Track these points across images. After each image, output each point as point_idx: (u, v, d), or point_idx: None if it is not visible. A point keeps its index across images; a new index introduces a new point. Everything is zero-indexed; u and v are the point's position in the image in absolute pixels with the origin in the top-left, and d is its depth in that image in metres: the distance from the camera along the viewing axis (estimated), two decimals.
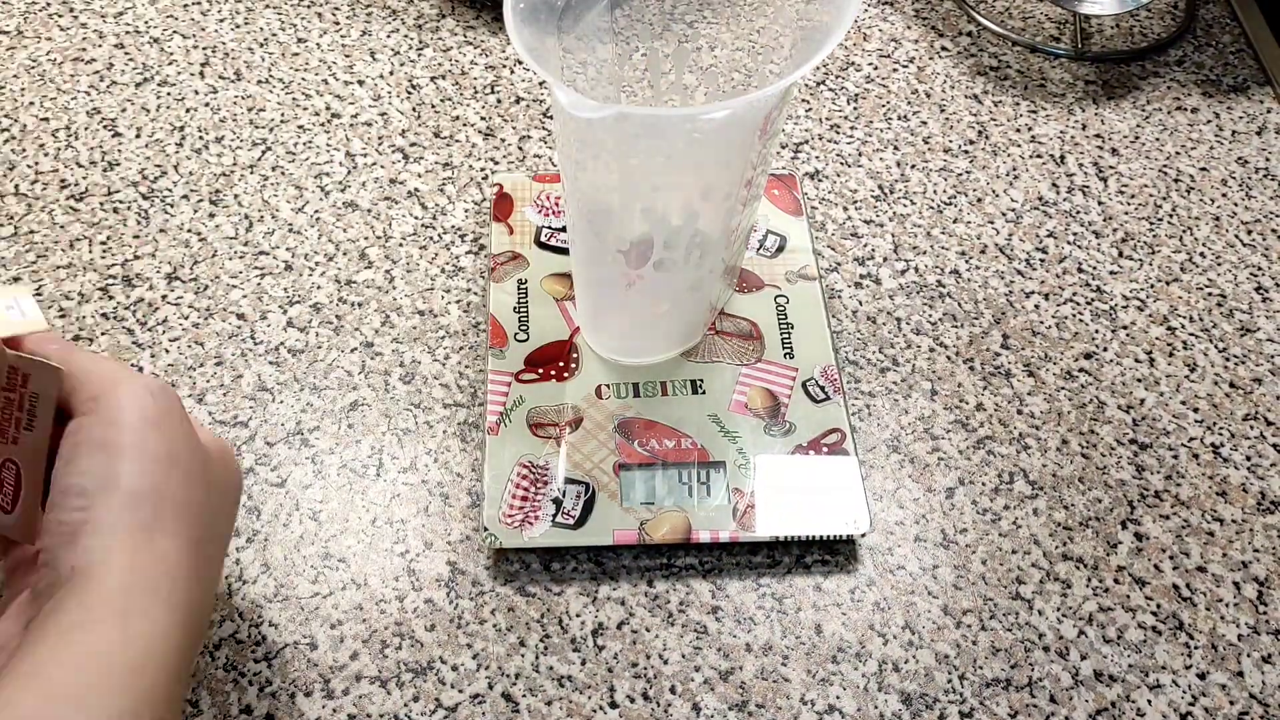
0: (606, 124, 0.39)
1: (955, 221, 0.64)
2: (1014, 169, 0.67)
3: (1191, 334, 0.60)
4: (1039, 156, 0.68)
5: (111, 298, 0.58)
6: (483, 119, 0.67)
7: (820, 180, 0.66)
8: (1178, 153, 0.69)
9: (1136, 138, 0.69)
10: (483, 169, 0.65)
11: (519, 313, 0.55)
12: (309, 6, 0.73)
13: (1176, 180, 0.67)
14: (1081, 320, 0.60)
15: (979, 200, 0.65)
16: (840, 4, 0.42)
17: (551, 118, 0.67)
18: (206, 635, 0.47)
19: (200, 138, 0.65)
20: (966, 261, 0.62)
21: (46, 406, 0.37)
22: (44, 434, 0.37)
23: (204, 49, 0.70)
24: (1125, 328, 0.60)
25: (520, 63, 0.71)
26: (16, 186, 0.62)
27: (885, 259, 0.62)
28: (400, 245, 0.61)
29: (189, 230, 0.61)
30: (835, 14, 0.43)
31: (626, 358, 0.53)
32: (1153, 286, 0.62)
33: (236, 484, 0.41)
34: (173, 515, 0.35)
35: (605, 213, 0.45)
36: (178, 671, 0.34)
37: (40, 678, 0.31)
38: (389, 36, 0.72)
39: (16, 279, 0.58)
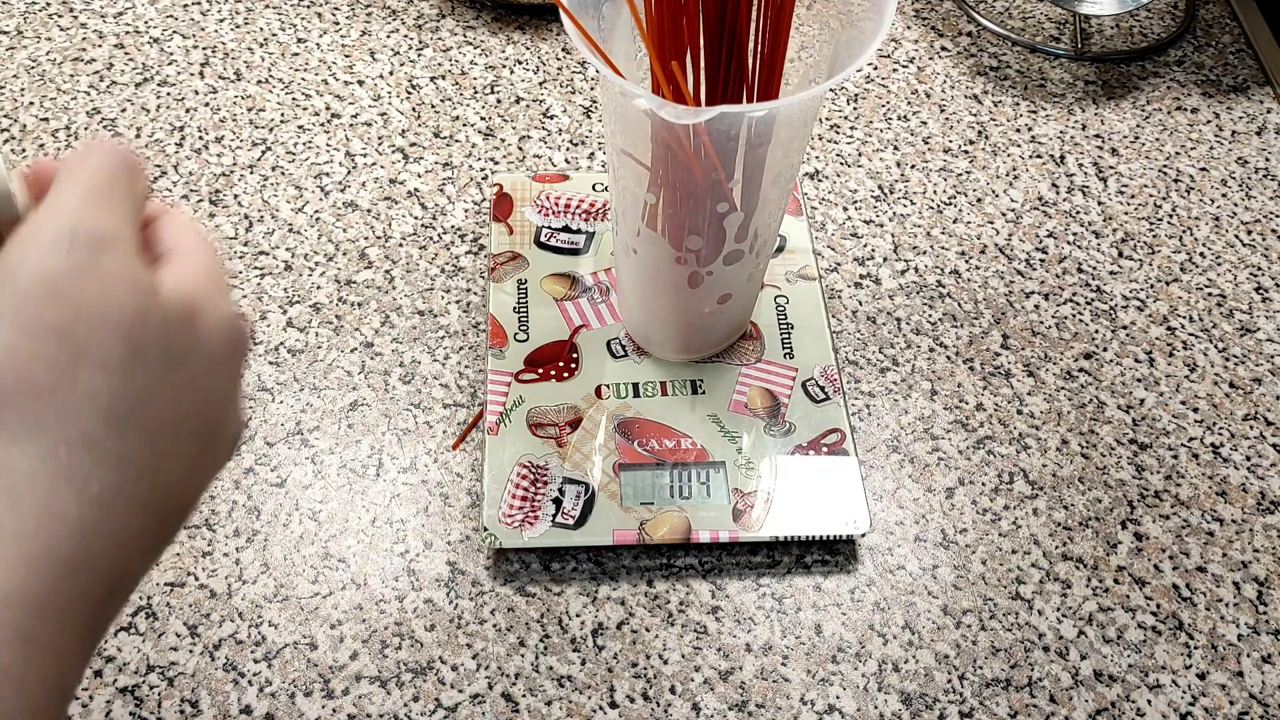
0: (697, 126, 0.40)
1: (955, 221, 0.64)
2: (1014, 169, 0.67)
3: (1191, 334, 0.60)
4: (1039, 156, 0.68)
5: None
6: (482, 119, 0.67)
7: (820, 180, 0.66)
8: (1178, 153, 0.69)
9: (1136, 138, 0.69)
10: (482, 169, 0.65)
11: (519, 313, 0.55)
12: (309, 6, 0.73)
13: (1176, 180, 0.67)
14: (1081, 320, 0.60)
15: (979, 200, 0.65)
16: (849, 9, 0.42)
17: (552, 118, 0.67)
18: (207, 635, 0.47)
19: (200, 138, 0.65)
20: (966, 261, 0.62)
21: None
22: None
23: (204, 49, 0.70)
24: (1125, 328, 0.60)
25: (520, 63, 0.71)
26: None
27: (885, 259, 0.62)
28: (400, 245, 0.61)
29: None
30: (843, 18, 0.43)
31: (681, 355, 0.54)
32: (1153, 286, 0.62)
33: (219, 347, 0.29)
34: (38, 409, 0.25)
35: (681, 216, 0.45)
36: (23, 628, 0.24)
37: None
38: (389, 36, 0.72)
39: None
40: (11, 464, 0.25)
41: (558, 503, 0.49)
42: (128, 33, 0.71)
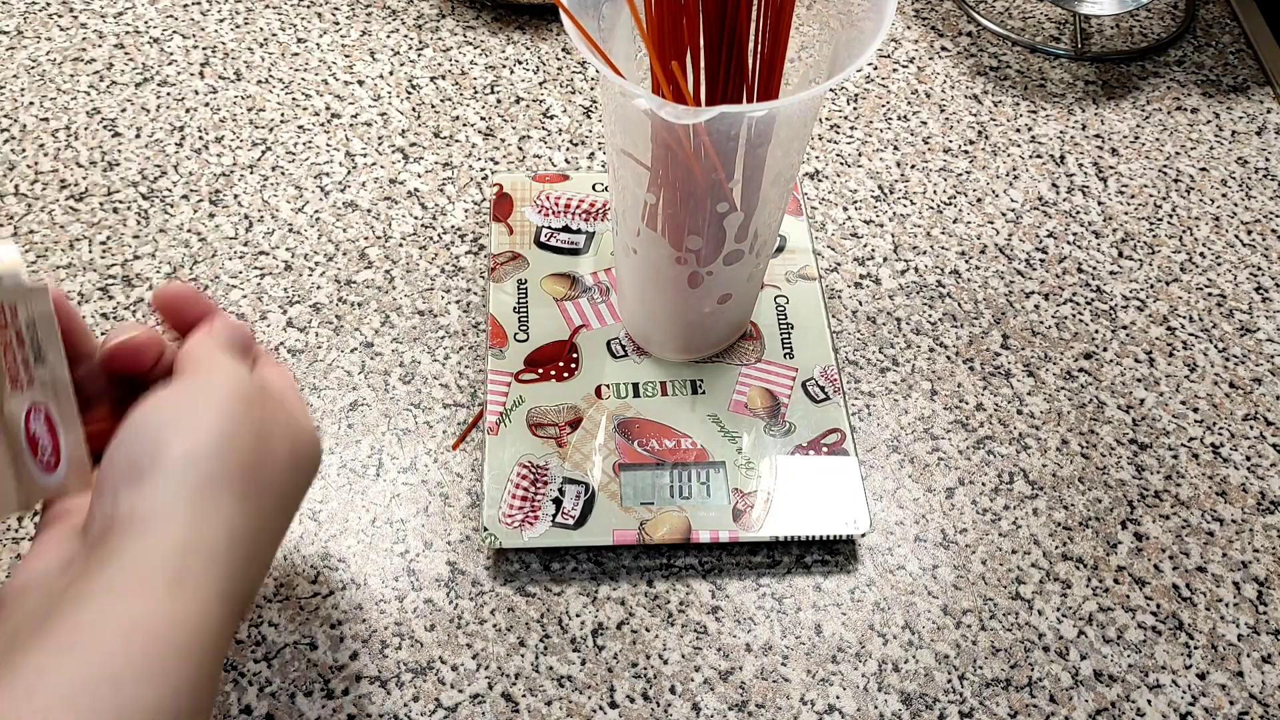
0: (697, 126, 0.40)
1: (955, 221, 0.64)
2: (1014, 169, 0.67)
3: (1191, 334, 0.60)
4: (1039, 156, 0.68)
5: (111, 298, 0.58)
6: (482, 119, 0.67)
7: (820, 180, 0.66)
8: (1178, 153, 0.69)
9: (1136, 138, 0.69)
10: (482, 169, 0.65)
11: (519, 313, 0.55)
12: (309, 6, 0.73)
13: (1176, 180, 0.67)
14: (1081, 320, 0.60)
15: (979, 200, 0.65)
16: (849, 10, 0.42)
17: (552, 118, 0.67)
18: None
19: (200, 138, 0.65)
20: (966, 261, 0.62)
21: (49, 330, 0.34)
22: (59, 360, 0.34)
23: (204, 49, 0.70)
24: (1125, 328, 0.60)
25: (520, 63, 0.71)
26: (16, 186, 0.62)
27: (885, 259, 0.62)
28: (400, 245, 0.61)
29: (189, 230, 0.61)
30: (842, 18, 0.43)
31: (681, 355, 0.54)
32: (1153, 286, 0.62)
33: (315, 464, 0.39)
34: (247, 478, 0.33)
35: (681, 216, 0.45)
36: (221, 654, 0.31)
37: (76, 650, 0.28)
38: (389, 36, 0.72)
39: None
40: (234, 517, 0.33)
41: (558, 503, 0.49)
42: (128, 33, 0.71)
